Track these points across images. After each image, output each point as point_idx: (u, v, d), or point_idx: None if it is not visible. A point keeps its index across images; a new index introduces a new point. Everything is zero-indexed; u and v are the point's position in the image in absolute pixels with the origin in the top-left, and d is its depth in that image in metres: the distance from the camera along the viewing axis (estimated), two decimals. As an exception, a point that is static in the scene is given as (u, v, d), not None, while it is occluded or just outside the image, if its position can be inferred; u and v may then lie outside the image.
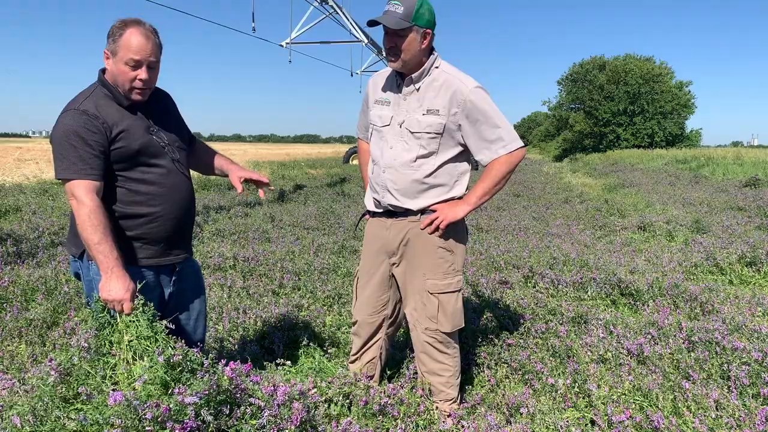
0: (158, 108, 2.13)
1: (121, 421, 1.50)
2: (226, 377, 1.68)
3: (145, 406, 1.53)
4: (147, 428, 1.51)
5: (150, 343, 1.77)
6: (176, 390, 1.60)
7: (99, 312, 1.85)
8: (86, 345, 1.78)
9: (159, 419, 1.52)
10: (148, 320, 1.82)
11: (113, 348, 1.80)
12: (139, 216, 2.02)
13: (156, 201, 2.04)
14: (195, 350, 1.78)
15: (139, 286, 1.90)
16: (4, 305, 3.92)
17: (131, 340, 1.78)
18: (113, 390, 1.69)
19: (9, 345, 3.35)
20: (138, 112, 2.04)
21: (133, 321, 1.82)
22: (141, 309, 1.84)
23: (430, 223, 2.39)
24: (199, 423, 1.58)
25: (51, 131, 1.95)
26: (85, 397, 1.64)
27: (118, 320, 1.84)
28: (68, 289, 4.12)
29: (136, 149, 1.99)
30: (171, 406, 1.56)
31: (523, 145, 2.39)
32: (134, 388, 1.63)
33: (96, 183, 1.88)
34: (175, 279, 2.19)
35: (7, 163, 19.03)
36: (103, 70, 2.03)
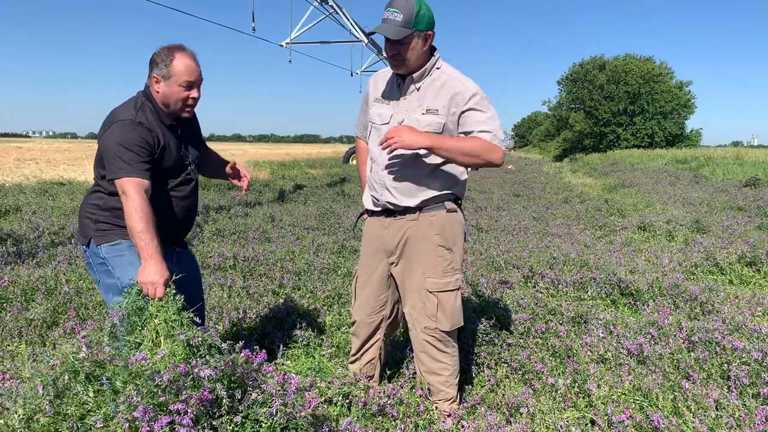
0: (188, 128, 2.39)
1: (138, 386, 1.55)
2: (243, 355, 1.74)
3: (164, 370, 1.59)
4: (162, 395, 1.55)
5: (175, 326, 1.87)
6: (193, 363, 1.66)
7: (134, 296, 1.97)
8: (117, 322, 1.88)
9: (175, 386, 1.57)
10: (177, 308, 1.92)
11: (140, 329, 1.90)
12: (164, 212, 2.25)
13: (171, 203, 2.32)
14: (215, 336, 1.87)
15: (174, 278, 2.05)
16: (4, 305, 3.92)
17: (159, 323, 1.88)
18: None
19: (9, 345, 3.35)
20: (174, 132, 2.30)
21: (163, 306, 1.93)
22: (172, 297, 1.97)
23: (389, 147, 2.24)
24: (213, 397, 1.62)
25: (105, 135, 2.15)
26: (108, 360, 1.70)
27: (150, 305, 1.96)
28: (68, 289, 4.12)
29: (170, 165, 2.27)
30: (189, 372, 1.61)
31: (504, 148, 2.37)
32: (155, 362, 1.69)
33: (144, 182, 2.10)
34: (176, 263, 2.38)
35: (7, 163, 19.02)
36: (147, 87, 2.25)
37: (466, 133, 2.34)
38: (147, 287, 2.00)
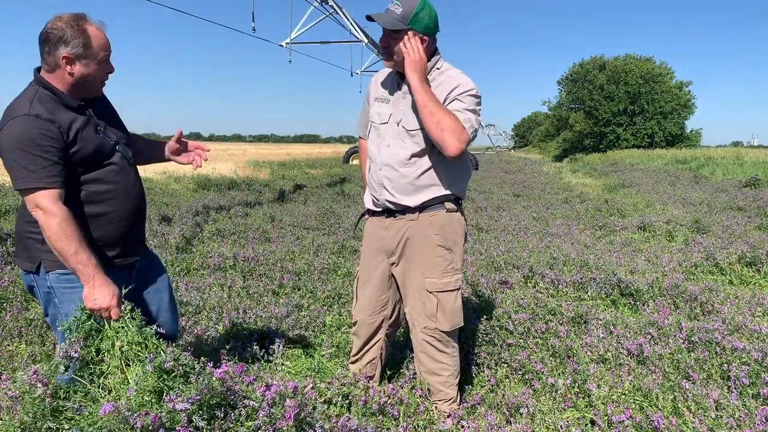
0: (100, 107, 2.05)
1: None
2: (217, 380, 1.65)
3: (135, 415, 1.50)
4: None
5: (141, 349, 1.74)
6: (167, 398, 1.57)
7: (84, 320, 1.79)
8: (75, 355, 1.72)
9: (150, 428, 1.50)
10: (137, 325, 1.79)
11: (103, 355, 1.76)
12: (96, 216, 1.95)
13: (111, 200, 1.98)
14: (186, 354, 1.74)
15: (124, 291, 1.85)
16: (4, 305, 3.92)
17: (122, 347, 1.75)
18: (107, 398, 1.67)
19: (9, 345, 3.35)
20: (84, 112, 1.95)
21: (123, 327, 1.78)
22: (129, 315, 1.81)
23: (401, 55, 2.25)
24: (192, 429, 1.57)
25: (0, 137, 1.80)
26: (75, 409, 1.61)
27: (107, 327, 1.80)
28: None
29: (92, 151, 1.91)
30: (162, 414, 1.54)
31: (469, 137, 2.24)
32: (128, 398, 1.60)
33: (60, 191, 1.79)
34: (134, 277, 2.13)
35: (7, 163, 18.98)
36: (38, 70, 1.91)
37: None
38: (100, 313, 1.79)
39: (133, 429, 1.50)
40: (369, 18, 2.31)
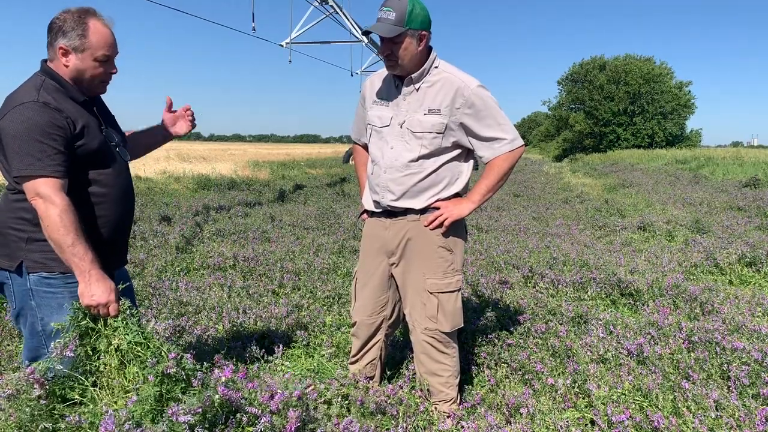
0: (100, 107, 2.03)
1: None
2: (218, 396, 1.62)
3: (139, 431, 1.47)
4: None
5: (142, 349, 1.69)
6: (170, 410, 1.55)
7: (80, 319, 1.73)
8: (71, 355, 1.67)
9: None
10: (136, 324, 1.73)
11: (99, 354, 1.72)
12: (89, 219, 1.88)
13: (107, 203, 1.93)
14: (188, 356, 1.70)
15: (121, 287, 1.79)
16: (4, 305, 3.92)
17: (120, 345, 1.69)
18: (105, 400, 1.65)
19: (9, 345, 3.35)
20: (89, 109, 1.91)
21: (121, 325, 1.72)
22: (128, 312, 1.74)
23: (434, 220, 2.39)
24: None
25: (4, 123, 1.74)
26: (75, 421, 1.57)
27: (101, 326, 1.74)
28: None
29: (95, 148, 1.87)
30: (164, 429, 1.51)
31: (523, 143, 2.43)
32: (129, 410, 1.56)
33: (63, 181, 1.73)
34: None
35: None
36: (45, 61, 1.87)
37: (478, 137, 2.36)
38: (97, 310, 1.71)
39: None
40: (366, 33, 2.31)
